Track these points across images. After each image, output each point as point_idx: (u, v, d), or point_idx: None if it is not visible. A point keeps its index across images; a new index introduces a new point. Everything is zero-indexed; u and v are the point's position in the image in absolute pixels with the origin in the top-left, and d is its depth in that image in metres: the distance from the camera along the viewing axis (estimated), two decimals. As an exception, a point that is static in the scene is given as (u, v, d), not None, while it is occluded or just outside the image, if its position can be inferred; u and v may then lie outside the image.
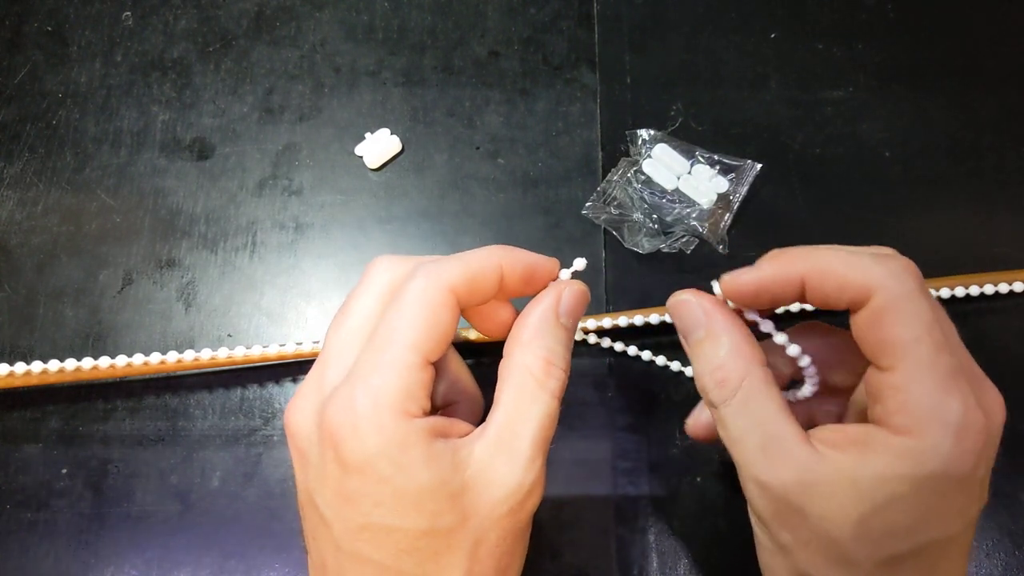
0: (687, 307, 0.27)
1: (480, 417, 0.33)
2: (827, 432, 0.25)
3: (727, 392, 0.25)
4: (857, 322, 0.25)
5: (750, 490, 0.25)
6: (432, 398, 0.25)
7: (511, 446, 0.25)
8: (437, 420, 0.25)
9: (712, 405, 0.26)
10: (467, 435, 0.25)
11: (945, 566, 0.24)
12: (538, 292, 0.28)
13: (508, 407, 0.25)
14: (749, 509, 0.26)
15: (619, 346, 0.37)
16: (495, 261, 0.26)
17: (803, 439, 0.24)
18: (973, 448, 0.23)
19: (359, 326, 0.26)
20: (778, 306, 0.27)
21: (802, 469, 0.24)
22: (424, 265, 0.25)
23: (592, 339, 0.37)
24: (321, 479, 0.24)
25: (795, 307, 0.37)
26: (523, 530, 0.26)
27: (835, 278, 0.25)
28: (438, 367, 0.26)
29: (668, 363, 0.37)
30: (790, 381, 0.29)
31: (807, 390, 0.28)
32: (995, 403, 0.24)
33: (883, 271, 0.24)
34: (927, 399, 0.23)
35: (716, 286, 0.27)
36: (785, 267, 0.26)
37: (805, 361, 0.27)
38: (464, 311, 0.28)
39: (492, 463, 0.24)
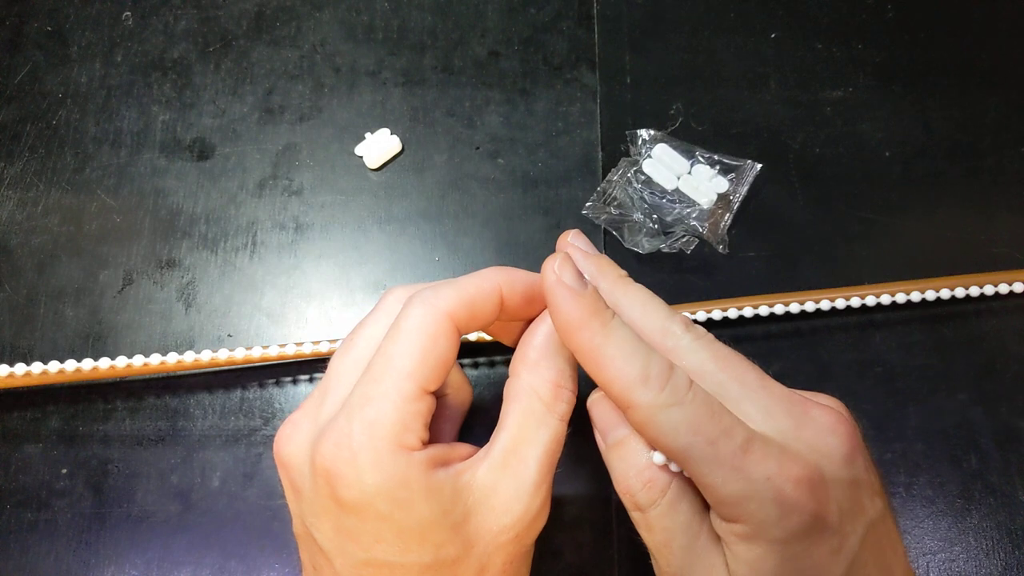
0: (608, 405, 0.26)
1: (467, 407, 0.33)
2: (719, 526, 0.24)
3: (655, 494, 0.24)
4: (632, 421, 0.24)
5: None
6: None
7: (517, 471, 0.24)
8: (436, 449, 0.24)
9: (638, 508, 0.25)
10: (468, 458, 0.25)
11: None
12: (539, 312, 0.27)
13: (514, 430, 0.25)
14: None
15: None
16: (493, 285, 0.25)
17: (715, 538, 0.24)
18: (805, 506, 0.22)
19: (363, 356, 0.25)
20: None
21: (721, 571, 0.23)
22: (420, 292, 0.25)
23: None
24: (317, 514, 0.24)
25: (750, 312, 0.37)
26: (527, 553, 0.26)
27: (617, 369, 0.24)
28: None
29: None
30: None
31: None
32: (826, 428, 0.23)
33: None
34: (732, 489, 0.22)
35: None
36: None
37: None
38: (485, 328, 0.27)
39: (497, 488, 0.24)
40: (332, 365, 0.26)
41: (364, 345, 0.26)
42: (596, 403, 0.27)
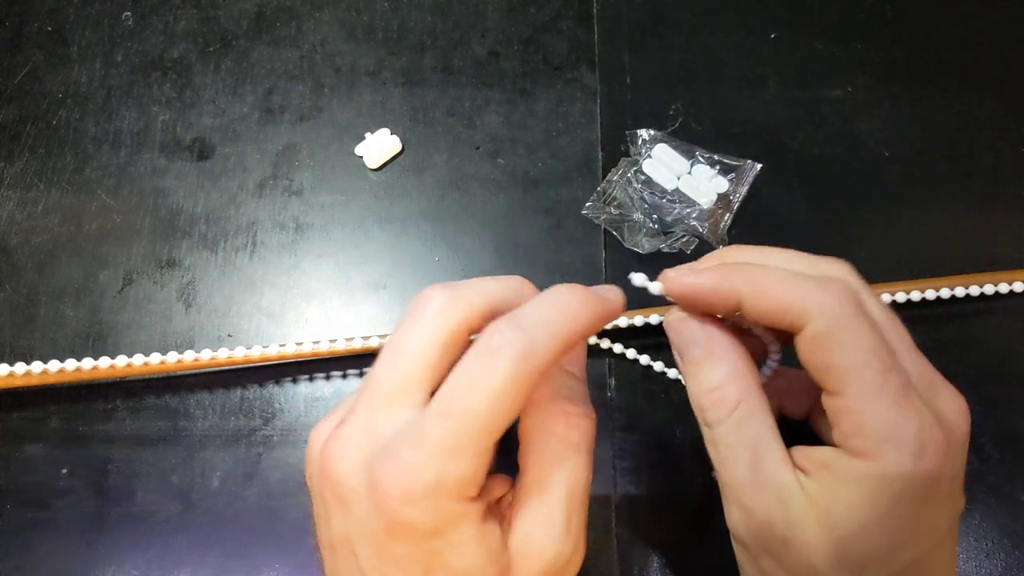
0: (685, 326, 0.26)
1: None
2: (798, 457, 0.25)
3: (723, 412, 0.25)
4: (800, 346, 0.24)
5: (734, 514, 0.25)
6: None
7: (543, 515, 0.24)
8: (488, 495, 0.24)
9: (707, 424, 0.26)
10: (504, 492, 0.25)
11: None
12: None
13: (534, 472, 0.24)
14: (732, 535, 0.26)
15: (618, 347, 0.37)
16: (577, 337, 0.24)
17: (790, 467, 0.24)
18: (934, 464, 0.23)
19: (411, 370, 0.24)
20: (716, 314, 0.27)
21: (785, 497, 0.24)
22: (515, 339, 0.22)
23: (592, 339, 0.37)
24: (365, 535, 0.23)
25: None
26: None
27: (772, 300, 0.24)
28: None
29: (665, 369, 0.37)
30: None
31: (767, 369, 0.28)
32: (956, 411, 0.24)
33: (821, 295, 0.24)
34: (881, 421, 0.23)
35: (655, 286, 0.26)
36: (724, 281, 0.25)
37: (768, 339, 0.27)
38: None
39: (530, 534, 0.24)
40: (378, 374, 0.25)
41: (412, 358, 0.24)
42: (675, 323, 0.27)
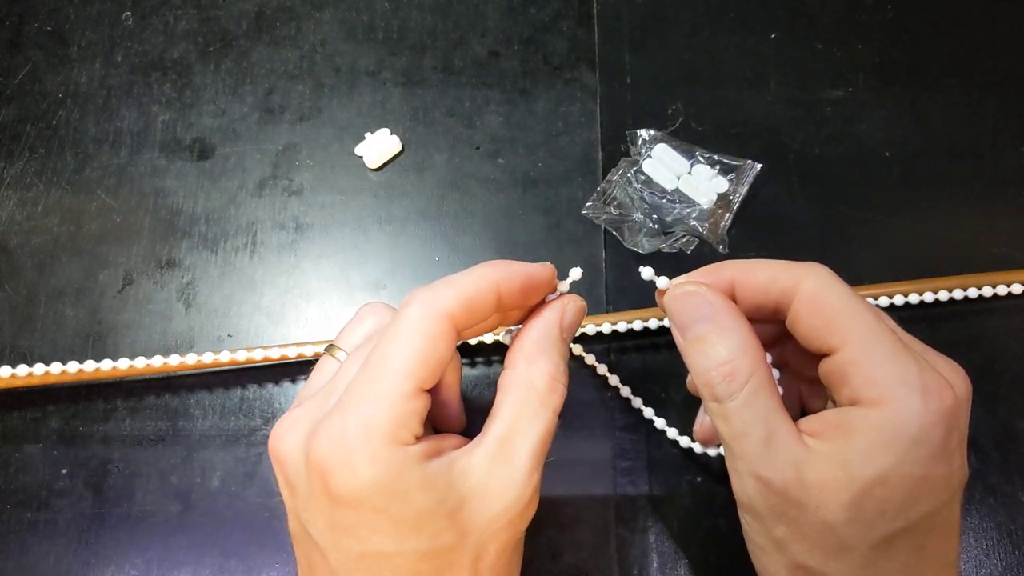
0: (691, 299, 0.26)
1: (461, 424, 0.33)
2: (808, 423, 0.25)
3: (735, 387, 0.25)
4: (798, 311, 0.25)
5: (749, 486, 0.25)
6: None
7: (510, 460, 0.25)
8: (429, 442, 0.24)
9: (716, 400, 0.26)
10: (460, 447, 0.25)
11: (935, 542, 0.25)
12: (535, 303, 0.27)
13: (509, 420, 0.25)
14: (741, 508, 0.27)
15: (626, 391, 0.37)
16: (491, 283, 0.26)
17: (798, 434, 0.25)
18: (941, 408, 0.23)
19: (355, 354, 0.26)
20: None
21: (799, 463, 0.24)
22: (418, 293, 0.25)
23: (591, 362, 0.37)
24: (312, 510, 0.24)
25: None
26: (519, 540, 0.26)
27: (763, 273, 0.26)
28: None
29: (667, 429, 0.36)
30: None
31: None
32: (951, 372, 0.25)
33: (805, 265, 0.26)
34: (886, 364, 0.24)
35: (662, 280, 0.27)
36: (717, 272, 0.27)
37: None
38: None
39: (491, 476, 0.24)
40: (319, 364, 0.27)
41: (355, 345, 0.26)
42: (678, 296, 0.27)
